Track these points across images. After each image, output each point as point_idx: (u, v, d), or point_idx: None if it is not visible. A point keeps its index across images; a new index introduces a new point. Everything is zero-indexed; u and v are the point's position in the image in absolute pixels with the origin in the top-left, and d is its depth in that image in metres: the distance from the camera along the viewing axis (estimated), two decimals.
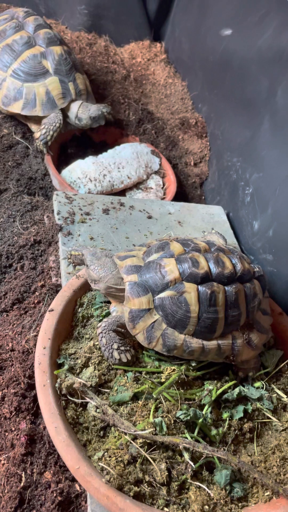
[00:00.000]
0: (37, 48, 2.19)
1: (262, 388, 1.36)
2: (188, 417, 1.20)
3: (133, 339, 1.32)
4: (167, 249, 1.34)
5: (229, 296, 1.29)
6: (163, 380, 1.26)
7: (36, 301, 1.57)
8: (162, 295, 1.25)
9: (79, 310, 1.42)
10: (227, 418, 1.26)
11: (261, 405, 1.32)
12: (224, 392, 1.30)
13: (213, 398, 1.26)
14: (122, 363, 1.28)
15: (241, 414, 1.27)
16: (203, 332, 1.27)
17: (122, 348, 1.28)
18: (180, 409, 1.22)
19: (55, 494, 1.19)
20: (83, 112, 2.22)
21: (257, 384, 1.37)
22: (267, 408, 1.32)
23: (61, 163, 2.28)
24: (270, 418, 1.31)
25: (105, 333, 1.28)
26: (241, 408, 1.29)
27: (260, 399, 1.33)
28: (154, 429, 1.16)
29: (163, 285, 1.26)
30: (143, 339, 1.26)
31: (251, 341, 1.35)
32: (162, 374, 1.28)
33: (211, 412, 1.25)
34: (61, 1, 2.92)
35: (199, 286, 1.26)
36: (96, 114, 2.22)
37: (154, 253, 1.34)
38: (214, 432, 1.23)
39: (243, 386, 1.35)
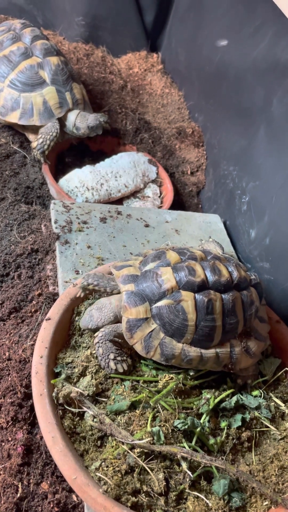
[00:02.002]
0: (34, 59, 2.21)
1: (260, 396, 1.36)
2: (186, 426, 1.19)
3: (131, 348, 1.32)
4: (163, 258, 1.34)
5: (226, 304, 1.29)
6: (160, 387, 1.26)
7: (33, 310, 1.57)
8: (159, 304, 1.25)
9: (76, 318, 1.41)
10: (225, 427, 1.26)
11: (259, 413, 1.32)
12: (222, 400, 1.29)
13: (211, 407, 1.26)
14: (118, 373, 1.27)
15: (239, 423, 1.26)
16: (201, 340, 1.27)
17: (119, 358, 1.28)
18: (178, 418, 1.21)
19: (52, 505, 1.18)
20: (81, 121, 2.24)
21: (255, 392, 1.36)
22: (265, 417, 1.32)
23: (58, 172, 2.29)
24: (268, 427, 1.31)
25: (102, 342, 1.28)
26: (239, 417, 1.28)
27: (258, 407, 1.32)
28: (152, 438, 1.16)
29: (160, 294, 1.26)
30: (141, 348, 1.25)
31: (249, 349, 1.35)
32: (159, 383, 1.27)
33: (209, 421, 1.24)
34: (59, 13, 2.95)
35: (196, 294, 1.26)
36: (94, 123, 2.24)
37: (151, 262, 1.34)
38: (212, 441, 1.22)
39: (241, 395, 1.34)
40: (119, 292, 1.37)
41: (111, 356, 1.27)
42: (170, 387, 1.25)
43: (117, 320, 1.32)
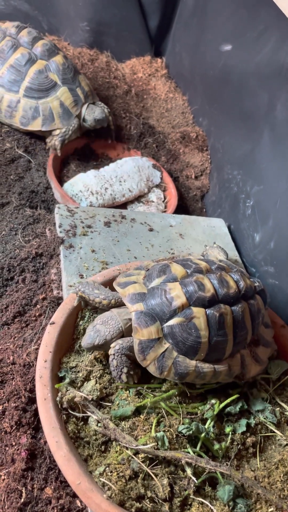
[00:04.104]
0: (40, 63, 2.24)
1: (266, 400, 1.35)
2: (191, 432, 1.18)
3: None
4: (168, 272, 1.30)
5: (236, 316, 1.27)
6: (163, 390, 1.25)
7: (37, 314, 1.57)
8: (171, 322, 1.22)
9: (81, 323, 1.41)
10: (230, 432, 1.25)
11: (264, 418, 1.31)
12: (226, 405, 1.28)
13: (215, 412, 1.25)
14: (127, 383, 1.27)
15: (244, 428, 1.26)
16: (213, 355, 1.25)
17: (131, 372, 1.26)
18: (182, 423, 1.21)
19: (55, 510, 1.17)
20: (89, 114, 2.34)
21: (263, 394, 1.36)
22: (270, 422, 1.31)
23: (63, 176, 2.30)
24: (273, 432, 1.30)
25: (117, 356, 1.25)
26: (243, 422, 1.27)
27: (263, 411, 1.31)
28: (156, 443, 1.15)
29: (171, 312, 1.22)
30: (154, 369, 1.22)
31: (258, 357, 1.33)
32: (163, 387, 1.27)
33: (213, 426, 1.24)
34: (64, 18, 2.97)
35: (207, 310, 1.23)
36: (101, 116, 2.35)
37: (156, 277, 1.30)
38: (217, 446, 1.22)
39: (251, 394, 1.34)
40: (101, 302, 1.35)
41: (125, 370, 1.25)
42: (172, 393, 1.24)
43: (123, 332, 1.30)
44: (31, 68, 2.21)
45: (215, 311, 1.23)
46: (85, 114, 2.34)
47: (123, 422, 1.21)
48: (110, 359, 1.26)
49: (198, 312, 1.22)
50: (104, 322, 1.30)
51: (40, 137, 2.34)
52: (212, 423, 1.24)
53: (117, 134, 2.61)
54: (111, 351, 1.26)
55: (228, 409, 1.28)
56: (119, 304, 1.35)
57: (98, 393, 1.24)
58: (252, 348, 1.34)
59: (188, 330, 1.21)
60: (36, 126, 2.22)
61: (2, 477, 1.20)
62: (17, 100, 2.20)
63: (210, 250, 1.77)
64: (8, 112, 2.21)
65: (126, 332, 1.30)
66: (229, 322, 1.25)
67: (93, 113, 2.34)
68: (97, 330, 1.28)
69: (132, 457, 1.12)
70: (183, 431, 1.18)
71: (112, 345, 1.27)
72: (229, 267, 1.39)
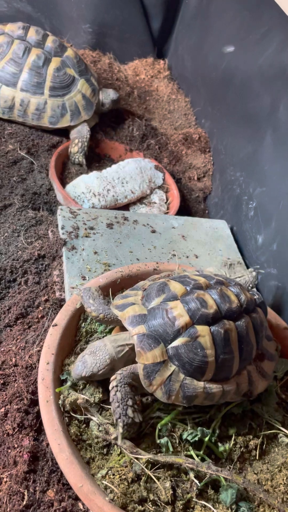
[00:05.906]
0: (56, 60, 2.30)
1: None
2: (196, 438, 1.17)
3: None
4: (167, 290, 1.24)
5: (240, 332, 1.22)
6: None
7: (40, 316, 1.57)
8: (175, 343, 1.16)
9: (83, 325, 1.41)
10: (233, 434, 1.25)
11: (269, 416, 1.30)
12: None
13: (222, 413, 1.25)
14: (134, 424, 1.14)
15: (246, 429, 1.25)
16: (220, 374, 1.20)
17: (136, 406, 1.15)
18: (186, 430, 1.20)
19: None
20: (106, 97, 2.49)
21: (274, 383, 1.38)
22: (275, 420, 1.30)
23: (65, 178, 2.30)
24: (278, 429, 1.29)
25: (121, 386, 1.15)
26: (246, 422, 1.27)
27: (271, 407, 1.31)
28: (159, 448, 1.14)
29: (175, 332, 1.16)
30: (161, 394, 1.15)
31: (264, 371, 1.30)
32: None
33: (219, 427, 1.23)
34: (66, 20, 2.98)
35: (211, 328, 1.18)
36: (116, 96, 2.50)
37: (155, 297, 1.24)
38: (221, 448, 1.21)
39: (265, 390, 1.33)
40: (90, 313, 1.31)
41: (130, 402, 1.14)
42: (178, 410, 1.23)
43: (113, 363, 1.22)
44: (50, 67, 2.26)
45: (220, 328, 1.18)
46: (103, 98, 2.45)
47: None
48: (113, 392, 1.15)
49: (203, 331, 1.17)
50: (92, 352, 1.22)
51: (42, 138, 2.34)
52: (217, 424, 1.23)
53: (120, 135, 2.61)
54: (112, 383, 1.16)
55: (232, 410, 1.27)
56: (108, 320, 1.31)
57: (100, 395, 1.23)
58: (257, 363, 1.30)
59: (194, 350, 1.15)
60: (65, 122, 2.30)
61: (4, 479, 1.20)
62: (44, 102, 2.26)
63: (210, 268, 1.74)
64: (36, 115, 2.27)
65: (122, 360, 1.23)
66: (234, 338, 1.21)
67: (108, 95, 2.47)
68: (84, 361, 1.21)
69: (134, 460, 1.12)
70: (189, 438, 1.17)
71: (112, 378, 1.18)
72: (227, 280, 1.34)
